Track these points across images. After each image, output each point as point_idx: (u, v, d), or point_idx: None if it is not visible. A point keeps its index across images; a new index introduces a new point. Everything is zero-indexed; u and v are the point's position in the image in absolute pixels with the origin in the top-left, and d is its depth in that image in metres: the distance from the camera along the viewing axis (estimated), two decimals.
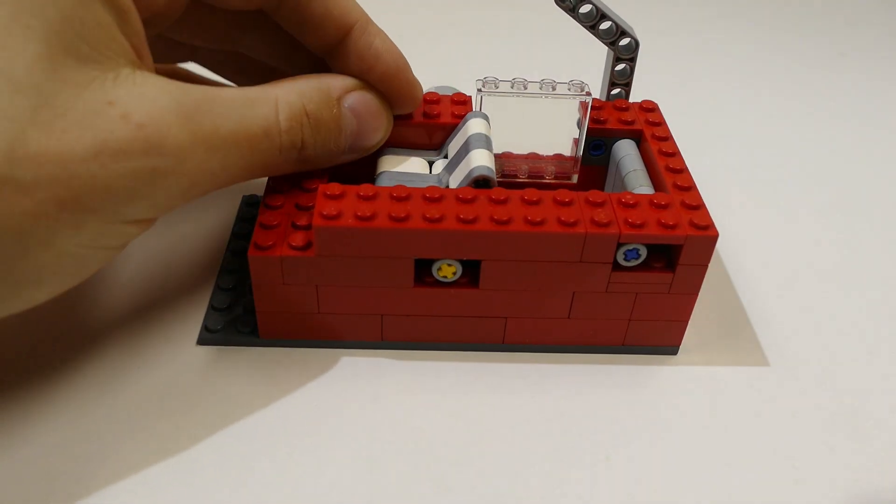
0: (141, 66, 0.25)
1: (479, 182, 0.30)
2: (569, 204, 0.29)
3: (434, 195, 0.29)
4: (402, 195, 0.29)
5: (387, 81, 0.31)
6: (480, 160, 0.31)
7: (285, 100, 0.28)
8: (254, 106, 0.27)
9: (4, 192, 0.21)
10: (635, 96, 0.39)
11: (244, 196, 0.39)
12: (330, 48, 0.31)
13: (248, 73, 0.35)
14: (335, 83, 0.30)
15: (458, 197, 0.29)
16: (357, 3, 0.31)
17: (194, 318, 0.33)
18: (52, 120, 0.22)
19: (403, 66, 0.32)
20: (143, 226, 0.25)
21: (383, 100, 0.31)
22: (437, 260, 0.29)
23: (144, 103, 0.23)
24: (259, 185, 0.40)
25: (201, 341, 0.32)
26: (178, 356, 0.31)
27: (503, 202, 0.29)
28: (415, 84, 0.32)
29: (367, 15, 0.31)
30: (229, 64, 0.35)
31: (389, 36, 0.31)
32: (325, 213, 0.28)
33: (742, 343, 0.34)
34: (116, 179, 0.23)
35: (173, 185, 0.24)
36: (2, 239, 0.21)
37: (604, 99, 0.37)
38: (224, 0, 0.29)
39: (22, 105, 0.21)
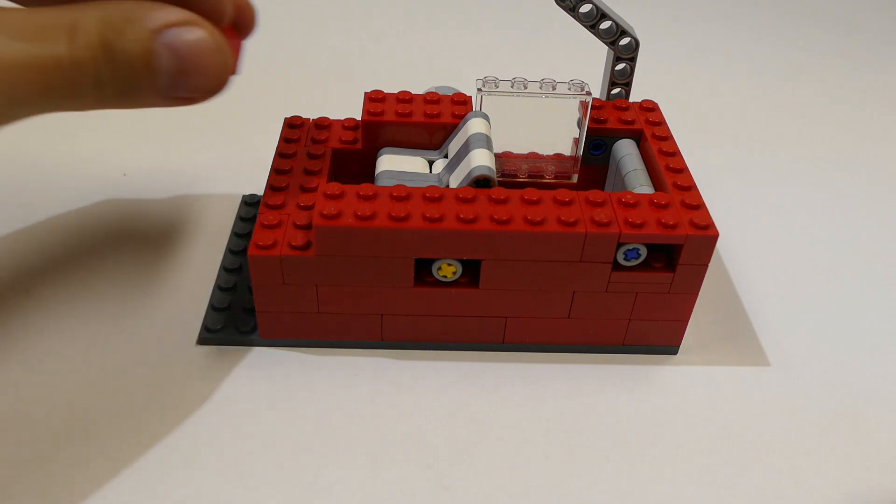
0: None
1: (480, 182, 0.30)
2: (569, 203, 0.29)
3: (434, 195, 0.29)
4: (402, 195, 0.29)
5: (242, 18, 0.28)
6: (481, 160, 0.31)
7: (82, 28, 0.24)
8: (46, 33, 0.23)
9: None
10: (635, 96, 0.39)
11: (244, 195, 0.39)
12: None
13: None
14: (155, 14, 0.25)
15: (458, 196, 0.29)
16: None
17: (194, 318, 0.33)
18: None
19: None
20: None
21: (220, 38, 0.26)
22: (437, 260, 0.29)
23: None
24: (259, 184, 0.40)
25: (201, 341, 0.32)
26: (179, 356, 0.31)
27: (503, 202, 0.29)
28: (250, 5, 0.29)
29: None
30: None
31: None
32: (325, 212, 0.28)
33: (742, 343, 0.33)
34: None
35: None
36: None
37: (604, 98, 0.37)
38: None
39: None
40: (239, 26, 0.29)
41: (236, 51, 0.29)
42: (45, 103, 0.24)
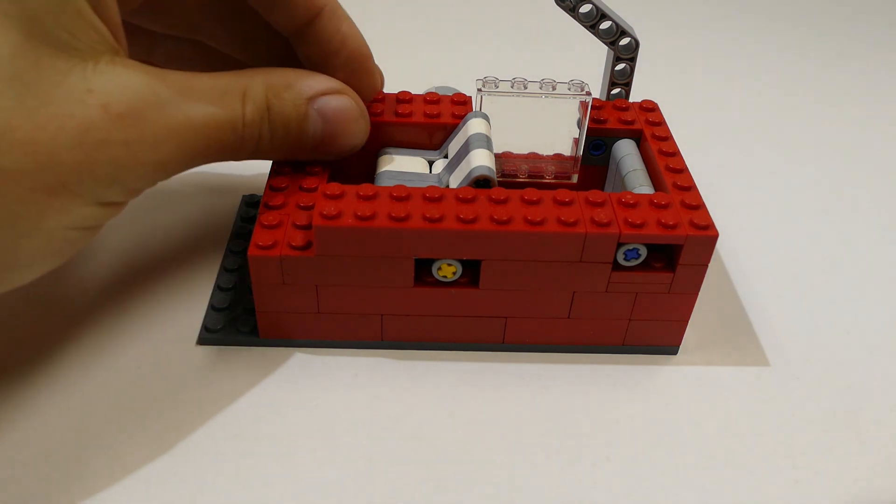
0: (119, 52, 0.25)
1: (480, 182, 0.30)
2: (569, 204, 0.29)
3: (434, 195, 0.29)
4: (402, 195, 0.29)
5: (350, 66, 0.32)
6: (481, 160, 0.31)
7: (252, 92, 0.28)
8: (223, 97, 0.27)
9: None
10: (635, 96, 0.39)
11: (244, 196, 0.39)
12: (297, 30, 0.31)
13: (207, 66, 0.35)
14: (310, 83, 0.30)
15: (458, 197, 0.29)
16: None
17: (194, 318, 0.33)
18: (37, 108, 0.22)
19: (367, 53, 0.32)
20: (118, 208, 0.26)
21: (361, 106, 0.31)
22: (437, 260, 0.29)
23: (123, 92, 0.24)
24: (260, 184, 0.40)
25: (201, 341, 0.32)
26: (178, 356, 0.31)
27: (503, 202, 0.29)
28: (376, 72, 0.33)
29: None
30: (188, 57, 0.35)
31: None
32: (325, 212, 0.28)
33: (742, 343, 0.33)
34: (99, 166, 0.24)
35: (148, 171, 0.25)
36: None
37: (604, 99, 0.37)
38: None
39: (6, 94, 0.22)
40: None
41: None
42: (214, 156, 0.27)
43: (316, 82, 0.30)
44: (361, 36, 0.32)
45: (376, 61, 0.33)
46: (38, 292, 0.33)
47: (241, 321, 0.32)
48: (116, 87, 0.24)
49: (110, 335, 0.32)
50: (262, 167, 0.36)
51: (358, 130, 0.31)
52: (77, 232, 0.25)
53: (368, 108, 0.34)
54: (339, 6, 0.31)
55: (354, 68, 0.32)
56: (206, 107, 0.26)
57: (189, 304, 0.33)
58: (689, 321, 0.32)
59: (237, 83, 0.28)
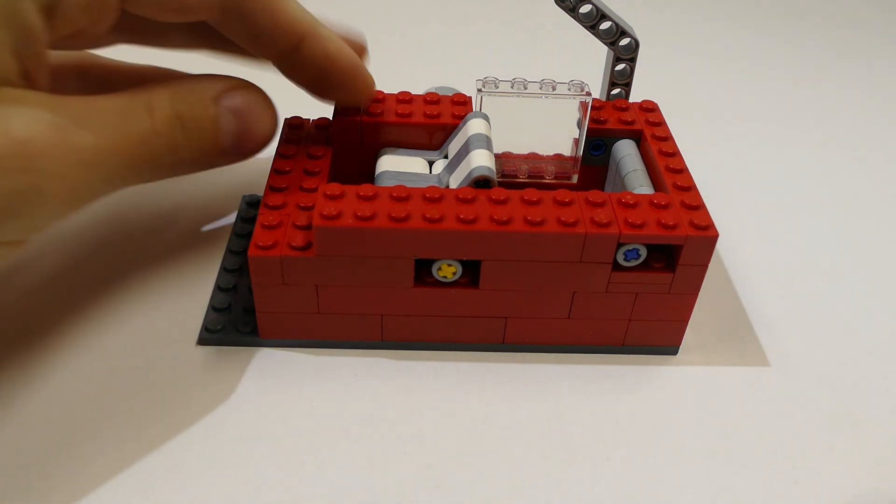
0: (25, 86, 0.24)
1: (480, 182, 0.30)
2: (569, 204, 0.29)
3: (434, 195, 0.29)
4: (401, 195, 0.29)
5: (344, 83, 0.32)
6: (481, 160, 0.31)
7: (157, 104, 0.27)
8: (129, 114, 0.26)
9: None
10: (635, 96, 0.39)
11: (244, 196, 0.39)
12: (282, 58, 0.31)
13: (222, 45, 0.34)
14: (212, 84, 0.29)
15: (458, 197, 0.29)
16: (304, 9, 0.31)
17: (194, 319, 0.33)
18: None
19: (356, 64, 0.32)
20: (16, 247, 0.25)
21: (266, 96, 0.31)
22: (437, 260, 0.29)
23: (21, 121, 0.23)
24: (260, 185, 0.40)
25: (201, 341, 0.32)
26: (179, 356, 0.31)
27: (503, 202, 0.29)
28: (368, 79, 0.33)
29: (315, 19, 0.31)
30: (202, 37, 0.34)
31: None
32: (325, 213, 0.28)
33: (742, 343, 0.33)
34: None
35: (53, 204, 0.24)
36: None
37: (604, 99, 0.37)
38: (158, 14, 0.28)
39: None
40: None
41: None
42: (129, 176, 0.27)
43: (216, 81, 0.29)
44: (348, 49, 0.31)
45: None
46: (36, 291, 0.33)
47: (241, 321, 0.32)
48: (14, 114, 0.23)
49: (111, 335, 0.32)
50: (262, 167, 0.36)
51: (268, 122, 0.30)
52: None
53: (368, 108, 0.34)
54: (322, 26, 0.31)
55: (346, 81, 0.32)
56: (111, 126, 0.25)
57: (189, 304, 0.33)
58: (689, 321, 0.32)
59: (141, 97, 0.27)
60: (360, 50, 0.34)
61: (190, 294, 0.34)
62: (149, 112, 0.27)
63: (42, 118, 0.24)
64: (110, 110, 0.26)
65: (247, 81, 0.30)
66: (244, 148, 0.30)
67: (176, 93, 0.28)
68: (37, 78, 0.25)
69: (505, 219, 0.28)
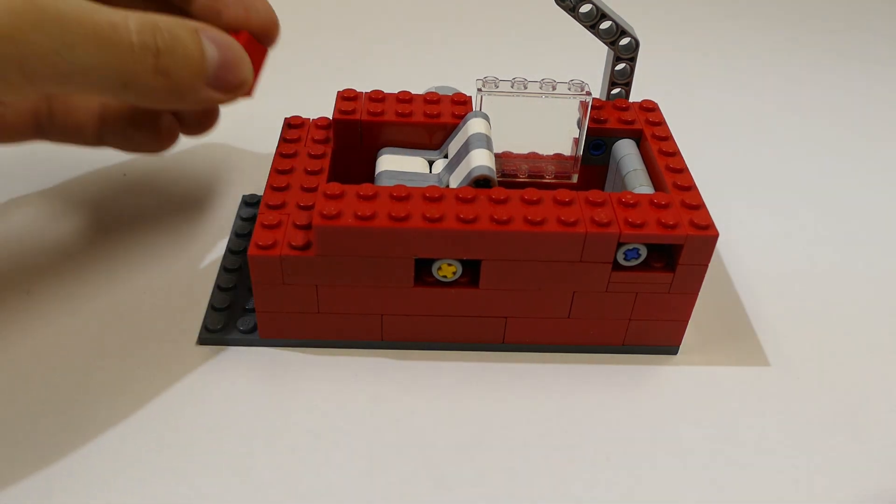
0: None
1: (480, 182, 0.30)
2: (569, 203, 0.29)
3: (434, 195, 0.29)
4: (401, 195, 0.29)
5: (265, 29, 0.32)
6: (481, 160, 0.31)
7: (134, 14, 0.27)
8: (99, 8, 0.25)
9: None
10: (635, 96, 0.39)
11: (244, 196, 0.39)
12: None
13: None
14: (196, 23, 0.29)
15: (458, 196, 0.29)
16: None
17: (194, 318, 0.33)
18: None
19: (269, 10, 0.32)
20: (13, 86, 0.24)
21: (241, 46, 0.30)
22: (437, 259, 0.29)
23: None
24: (260, 184, 0.40)
25: (201, 341, 0.32)
26: (179, 356, 0.31)
27: (503, 202, 0.29)
28: (276, 22, 0.33)
29: None
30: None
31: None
32: (324, 212, 0.28)
33: (742, 343, 0.33)
34: None
35: (11, 52, 0.23)
36: None
37: (604, 99, 0.37)
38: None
39: None
40: (262, 37, 0.32)
41: (262, 57, 0.32)
42: (104, 67, 0.25)
43: (198, 23, 0.29)
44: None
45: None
46: (37, 290, 0.33)
47: (241, 321, 0.32)
48: None
49: (111, 334, 0.32)
50: (262, 167, 0.36)
51: (245, 62, 0.30)
52: None
53: (369, 108, 0.34)
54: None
55: (269, 29, 0.32)
56: (77, 4, 0.25)
57: (189, 304, 0.33)
58: (690, 321, 0.32)
59: (118, 10, 0.26)
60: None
61: (190, 293, 0.34)
62: (123, 13, 0.26)
63: None
64: (86, 4, 0.25)
65: (218, 28, 0.30)
66: (227, 80, 0.29)
67: (154, 16, 0.27)
68: None
69: (505, 218, 0.28)
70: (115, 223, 0.38)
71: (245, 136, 0.45)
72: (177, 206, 0.40)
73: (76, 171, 0.41)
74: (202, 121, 0.35)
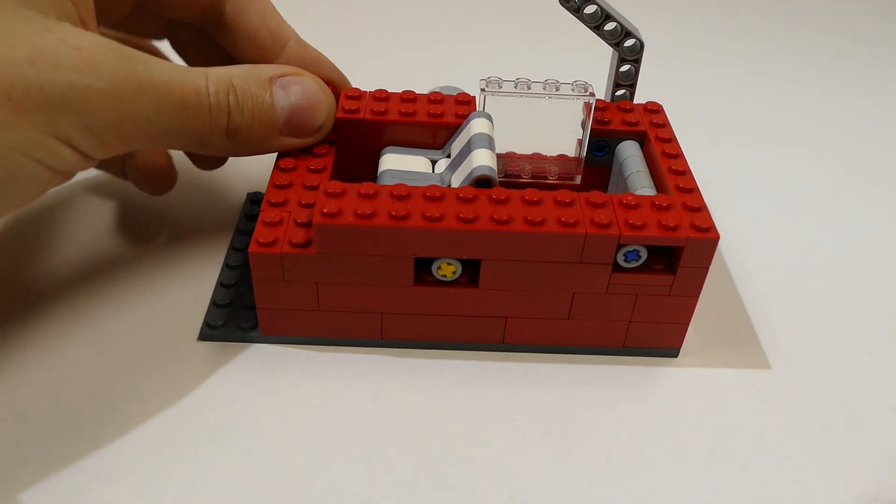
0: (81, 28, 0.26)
1: (481, 182, 0.30)
2: (569, 204, 0.29)
3: (434, 194, 0.29)
4: (402, 193, 0.29)
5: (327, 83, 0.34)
6: (482, 160, 0.31)
7: (215, 73, 0.29)
8: (185, 71, 0.28)
9: None
10: (640, 97, 0.39)
11: (249, 193, 0.40)
12: (203, 17, 0.33)
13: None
14: (268, 69, 0.31)
15: (459, 196, 0.29)
16: (284, 20, 0.34)
17: (197, 314, 0.33)
18: None
19: (335, 69, 0.35)
20: (77, 157, 0.26)
21: (321, 82, 0.32)
22: (437, 259, 0.29)
23: (82, 36, 0.25)
24: (265, 182, 0.40)
25: (202, 337, 0.32)
26: (179, 351, 0.31)
27: (504, 202, 0.29)
28: (345, 82, 0.36)
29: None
30: (206, 46, 0.36)
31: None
32: (325, 210, 0.28)
33: (743, 345, 0.33)
34: (51, 87, 0.24)
35: (107, 111, 0.25)
36: None
37: (608, 100, 0.37)
38: (164, 10, 0.33)
39: None
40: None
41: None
42: (185, 129, 0.28)
43: (270, 69, 0.31)
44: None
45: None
46: (39, 286, 0.34)
47: (242, 317, 0.32)
48: (75, 32, 0.25)
49: (112, 329, 0.32)
50: (267, 165, 0.37)
51: (324, 104, 0.32)
52: (27, 159, 0.24)
53: (372, 107, 0.34)
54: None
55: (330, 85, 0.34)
56: (166, 71, 0.27)
57: (192, 299, 0.34)
58: (690, 323, 0.32)
59: (197, 68, 0.29)
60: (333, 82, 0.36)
61: (193, 290, 0.34)
62: (203, 75, 0.28)
63: (102, 41, 0.25)
64: (167, 63, 0.27)
65: (301, 69, 0.32)
66: (302, 127, 0.31)
67: (231, 68, 0.30)
68: (90, 30, 0.27)
69: (505, 218, 0.28)
70: (121, 218, 0.38)
71: None
72: (183, 203, 0.40)
73: None
74: (215, 161, 0.37)
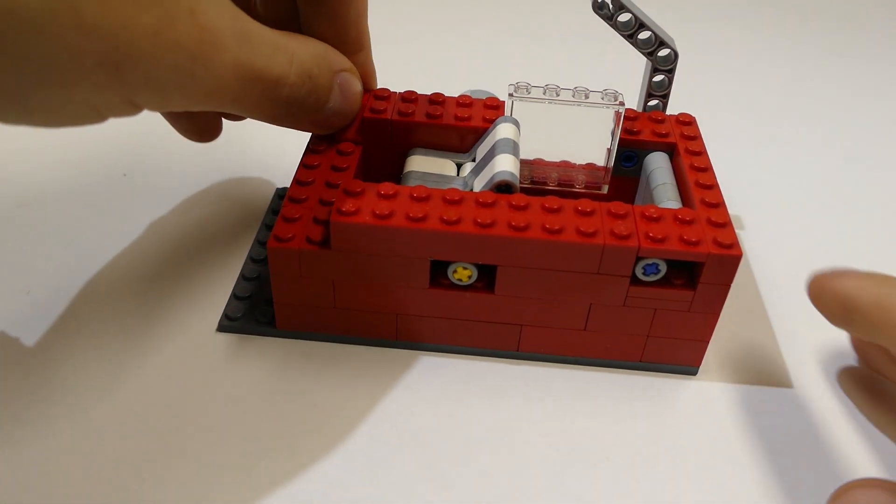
0: None
1: (501, 187, 0.30)
2: (589, 214, 0.29)
3: (454, 197, 0.29)
4: (421, 195, 0.29)
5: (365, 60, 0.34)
6: (504, 165, 0.31)
7: (299, 57, 0.29)
8: (275, 53, 0.28)
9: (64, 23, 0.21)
10: (675, 108, 0.38)
11: (278, 188, 0.40)
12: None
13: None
14: (338, 59, 0.32)
15: (478, 201, 0.29)
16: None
17: (218, 305, 0.33)
18: None
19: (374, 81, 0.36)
20: (133, 110, 0.26)
21: (360, 86, 0.34)
22: (453, 262, 0.29)
23: (211, 9, 0.24)
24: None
25: (221, 328, 0.32)
26: (198, 342, 0.32)
27: (523, 208, 0.29)
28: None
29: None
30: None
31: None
32: (342, 209, 0.28)
33: (764, 363, 0.32)
34: (159, 67, 0.23)
35: (197, 95, 0.26)
36: (44, 73, 0.22)
37: (640, 110, 0.36)
38: None
39: None
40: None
41: None
42: (256, 107, 0.29)
43: (340, 58, 0.32)
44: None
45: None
46: (64, 274, 0.34)
47: (260, 311, 0.32)
48: (208, 3, 0.24)
49: (135, 318, 0.33)
50: (297, 161, 0.37)
51: (355, 108, 0.34)
52: (89, 110, 0.24)
53: (400, 108, 0.34)
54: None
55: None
56: (265, 56, 0.27)
57: (215, 291, 0.34)
58: (711, 339, 0.31)
59: (287, 45, 0.29)
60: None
61: (217, 281, 0.35)
62: (290, 59, 0.29)
63: (228, 20, 0.25)
64: (268, 42, 0.28)
65: (354, 67, 0.33)
66: (332, 123, 0.33)
67: (314, 55, 0.30)
68: None
69: (522, 225, 0.28)
70: (149, 209, 0.39)
71: (285, 129, 0.46)
72: (215, 196, 0.40)
73: (115, 147, 0.42)
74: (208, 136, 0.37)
